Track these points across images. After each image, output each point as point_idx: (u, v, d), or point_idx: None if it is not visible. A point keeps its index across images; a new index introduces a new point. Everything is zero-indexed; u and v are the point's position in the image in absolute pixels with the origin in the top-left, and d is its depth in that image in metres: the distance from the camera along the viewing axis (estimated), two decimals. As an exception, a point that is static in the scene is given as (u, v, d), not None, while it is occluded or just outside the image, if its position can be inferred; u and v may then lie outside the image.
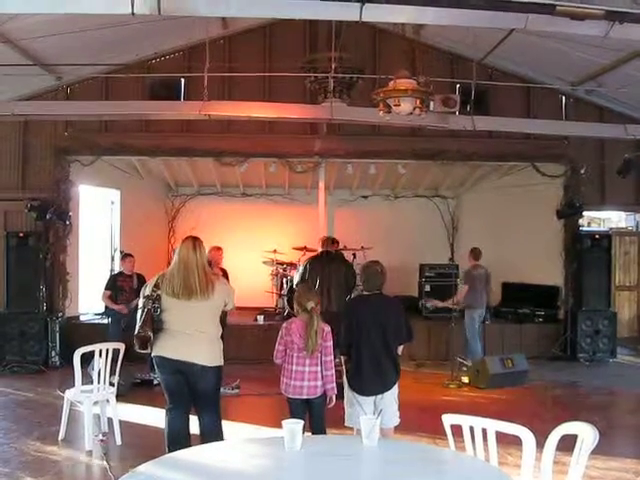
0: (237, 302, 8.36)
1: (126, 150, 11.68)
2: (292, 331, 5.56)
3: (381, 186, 14.90)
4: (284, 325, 5.69)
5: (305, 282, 9.02)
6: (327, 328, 5.60)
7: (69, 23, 8.42)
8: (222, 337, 6.29)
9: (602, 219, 14.31)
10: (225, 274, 9.32)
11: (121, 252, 11.96)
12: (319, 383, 5.56)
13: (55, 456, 6.46)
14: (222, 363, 5.47)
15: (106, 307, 10.34)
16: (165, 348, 5.22)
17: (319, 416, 5.66)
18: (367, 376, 5.53)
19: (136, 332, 5.15)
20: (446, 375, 9.97)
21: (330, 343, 5.58)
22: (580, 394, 9.47)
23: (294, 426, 3.46)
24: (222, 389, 7.73)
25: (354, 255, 13.29)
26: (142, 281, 9.16)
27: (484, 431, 3.70)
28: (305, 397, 5.55)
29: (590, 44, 8.55)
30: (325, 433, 5.68)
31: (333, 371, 5.60)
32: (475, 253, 11.04)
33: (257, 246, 13.98)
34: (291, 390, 5.56)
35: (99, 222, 13.21)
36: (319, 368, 5.56)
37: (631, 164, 10.93)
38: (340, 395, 5.70)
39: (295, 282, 10.53)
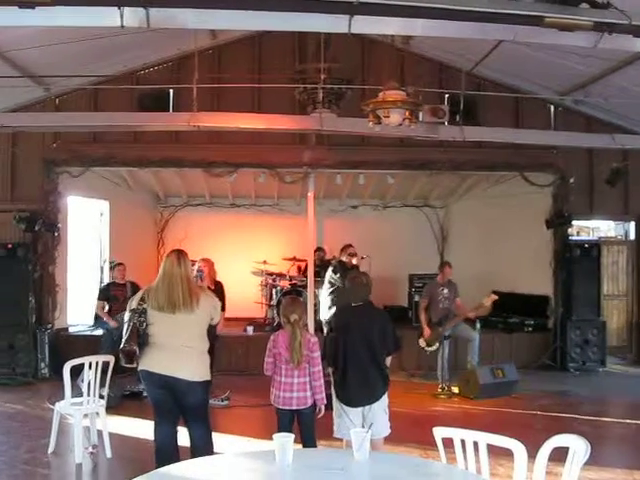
0: (226, 313, 8.46)
1: (115, 161, 11.56)
2: (278, 344, 5.58)
3: (370, 196, 14.86)
4: (271, 338, 5.70)
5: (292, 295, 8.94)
6: (313, 339, 5.61)
7: (57, 34, 8.38)
8: (213, 350, 6.30)
9: (591, 228, 14.33)
10: (221, 287, 9.12)
11: (111, 262, 11.90)
12: (308, 394, 5.57)
13: (45, 469, 6.42)
14: (209, 377, 5.43)
15: (96, 318, 10.24)
16: (151, 362, 5.17)
17: (309, 427, 5.66)
18: (353, 387, 5.55)
19: (122, 346, 5.10)
20: (436, 385, 9.92)
21: (317, 354, 5.59)
22: (570, 404, 9.44)
23: (285, 440, 3.44)
24: (212, 401, 7.75)
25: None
26: (136, 289, 8.93)
27: (475, 444, 3.68)
28: (295, 408, 5.56)
29: (579, 54, 8.58)
30: (315, 444, 5.70)
31: (322, 381, 5.60)
32: None
33: (246, 257, 13.95)
34: (281, 401, 5.57)
35: (88, 233, 13.19)
36: (307, 379, 5.57)
37: (619, 173, 11.00)
38: (330, 406, 5.70)
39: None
